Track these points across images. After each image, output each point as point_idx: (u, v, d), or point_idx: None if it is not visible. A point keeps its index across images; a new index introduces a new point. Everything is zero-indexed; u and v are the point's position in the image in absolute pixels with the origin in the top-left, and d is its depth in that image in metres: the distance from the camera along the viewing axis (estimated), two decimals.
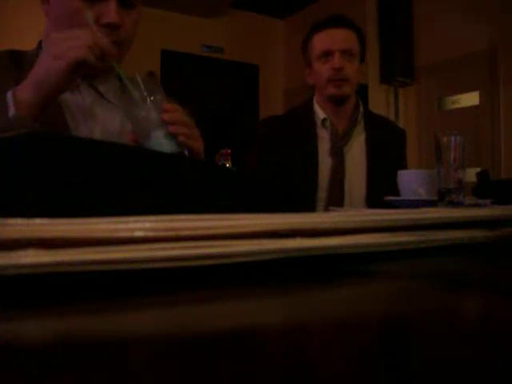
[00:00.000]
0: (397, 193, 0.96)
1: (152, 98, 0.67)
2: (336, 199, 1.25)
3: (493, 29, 2.92)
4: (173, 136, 0.66)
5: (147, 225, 0.21)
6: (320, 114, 1.32)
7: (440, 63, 3.23)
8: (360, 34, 1.31)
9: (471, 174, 1.12)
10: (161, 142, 0.65)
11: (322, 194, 1.25)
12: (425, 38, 3.33)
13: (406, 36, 3.33)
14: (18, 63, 0.79)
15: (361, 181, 1.28)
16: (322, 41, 1.28)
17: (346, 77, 1.26)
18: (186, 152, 0.68)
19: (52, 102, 0.72)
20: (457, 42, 3.11)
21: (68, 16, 0.74)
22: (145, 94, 0.67)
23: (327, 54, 1.27)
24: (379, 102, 3.33)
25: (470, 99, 3.12)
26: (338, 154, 1.28)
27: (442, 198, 0.76)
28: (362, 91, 1.37)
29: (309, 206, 1.21)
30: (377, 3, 3.43)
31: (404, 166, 1.36)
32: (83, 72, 0.70)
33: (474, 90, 3.09)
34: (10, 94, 0.65)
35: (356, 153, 1.30)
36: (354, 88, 1.31)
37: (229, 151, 1.73)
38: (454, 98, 3.21)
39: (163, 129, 0.66)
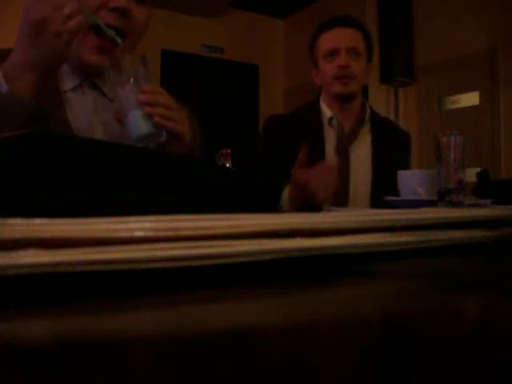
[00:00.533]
0: (399, 194, 0.96)
1: (137, 80, 0.68)
2: (341, 198, 1.24)
3: (493, 29, 2.92)
4: (149, 117, 0.67)
5: (147, 225, 0.21)
6: (327, 112, 1.32)
7: (440, 63, 3.23)
8: (366, 34, 1.33)
9: (471, 174, 1.12)
10: (138, 122, 0.67)
11: None
12: (425, 37, 3.34)
13: (406, 36, 3.33)
14: None
15: (366, 181, 1.28)
16: (328, 40, 1.30)
17: (352, 74, 1.27)
18: (165, 133, 0.69)
19: (55, 103, 0.72)
20: (457, 42, 3.11)
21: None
22: (131, 74, 0.68)
23: (333, 53, 1.28)
24: (379, 101, 3.33)
25: (470, 99, 3.12)
26: (343, 153, 1.28)
27: (442, 198, 0.76)
28: (362, 91, 1.37)
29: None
30: (377, 3, 3.43)
31: (407, 169, 1.36)
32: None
33: (474, 89, 3.09)
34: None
35: (362, 153, 1.30)
36: (361, 86, 1.32)
37: (229, 151, 1.72)
38: (454, 97, 3.21)
39: (141, 109, 0.67)
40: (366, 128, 1.33)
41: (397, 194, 0.96)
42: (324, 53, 1.30)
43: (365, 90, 3.41)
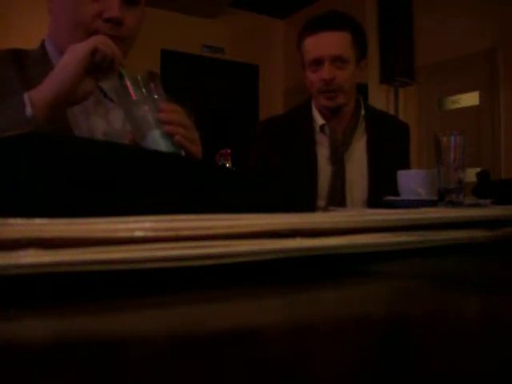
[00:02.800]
0: (399, 194, 0.96)
1: (151, 98, 0.67)
2: (338, 203, 1.21)
3: (493, 29, 2.92)
4: (169, 136, 0.66)
5: (147, 225, 0.21)
6: (318, 119, 1.28)
7: (440, 63, 3.23)
8: (355, 33, 1.23)
9: (471, 174, 1.12)
10: (157, 142, 0.65)
11: (321, 202, 1.21)
12: (425, 37, 3.33)
13: (406, 36, 3.33)
14: (20, 62, 0.79)
15: (362, 187, 1.24)
16: (311, 48, 1.23)
17: (337, 87, 1.21)
18: (183, 153, 0.68)
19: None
20: (457, 42, 3.11)
21: (71, 11, 0.74)
22: (144, 93, 0.67)
23: (317, 63, 1.21)
24: (379, 101, 3.33)
25: (470, 99, 3.12)
26: (338, 163, 1.24)
27: (442, 198, 0.76)
28: (362, 91, 1.34)
29: (309, 207, 1.20)
30: (377, 3, 3.43)
31: (407, 162, 1.33)
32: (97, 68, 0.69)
33: (474, 89, 3.09)
34: (26, 94, 0.65)
35: (357, 159, 1.26)
36: (350, 95, 1.26)
37: (229, 151, 1.72)
38: (454, 97, 3.21)
39: (160, 128, 0.66)
40: (361, 128, 1.28)
41: (395, 191, 0.96)
42: (308, 62, 1.23)
43: (365, 90, 3.40)
